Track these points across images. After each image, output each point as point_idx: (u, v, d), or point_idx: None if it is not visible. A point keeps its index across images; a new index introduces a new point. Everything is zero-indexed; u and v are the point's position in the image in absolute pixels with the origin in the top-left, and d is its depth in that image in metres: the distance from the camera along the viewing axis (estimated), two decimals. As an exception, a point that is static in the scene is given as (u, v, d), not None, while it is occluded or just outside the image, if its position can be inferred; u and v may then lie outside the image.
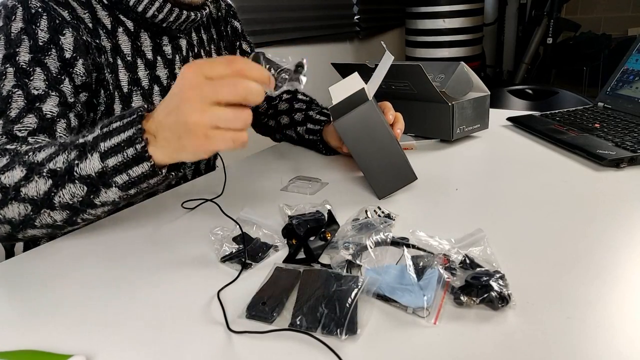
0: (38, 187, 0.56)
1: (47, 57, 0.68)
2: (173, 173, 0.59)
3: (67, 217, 0.59)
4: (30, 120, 0.65)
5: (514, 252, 0.54)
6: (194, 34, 0.90)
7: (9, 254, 0.90)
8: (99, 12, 0.76)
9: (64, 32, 0.70)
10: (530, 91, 1.61)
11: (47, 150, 0.57)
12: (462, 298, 0.45)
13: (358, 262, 0.52)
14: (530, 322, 0.42)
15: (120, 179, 0.55)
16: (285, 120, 1.03)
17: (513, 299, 0.44)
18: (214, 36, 0.97)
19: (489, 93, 0.99)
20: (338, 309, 0.44)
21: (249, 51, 1.05)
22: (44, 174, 0.56)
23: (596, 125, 0.97)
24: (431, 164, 0.86)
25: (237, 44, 1.03)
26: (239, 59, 0.49)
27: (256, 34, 2.22)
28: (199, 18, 0.84)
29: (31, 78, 0.66)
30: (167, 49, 0.84)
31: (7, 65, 0.66)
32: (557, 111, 1.10)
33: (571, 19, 3.71)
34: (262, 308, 0.45)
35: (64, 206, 0.57)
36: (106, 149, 0.53)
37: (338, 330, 0.42)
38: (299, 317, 0.44)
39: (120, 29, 0.77)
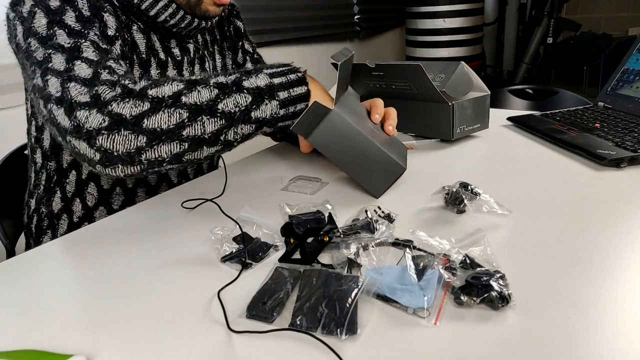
0: (201, 95, 0.59)
1: (93, 28, 0.66)
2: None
3: (218, 128, 0.60)
4: (116, 65, 0.63)
5: (514, 252, 0.54)
6: (199, 36, 0.90)
7: (10, 254, 0.90)
8: (117, 9, 0.76)
9: (106, 10, 0.69)
10: (530, 91, 1.61)
11: (198, 75, 0.62)
12: (462, 298, 0.45)
13: (359, 261, 0.52)
14: (530, 322, 0.42)
15: (283, 94, 0.64)
16: (286, 120, 1.03)
17: (513, 299, 0.44)
18: (217, 37, 0.97)
19: (489, 93, 0.98)
20: (338, 309, 0.44)
21: (251, 51, 1.05)
22: (211, 84, 0.60)
23: (596, 125, 0.97)
24: (431, 164, 0.86)
25: (240, 43, 1.03)
26: None
27: (256, 33, 2.22)
28: (209, 26, 0.84)
29: (88, 37, 0.64)
30: (176, 51, 0.84)
31: (56, 28, 0.63)
32: (557, 111, 1.10)
33: (571, 19, 3.71)
34: (262, 308, 0.45)
35: (224, 114, 0.60)
36: (271, 72, 0.64)
37: (338, 330, 0.42)
38: (299, 317, 0.44)
39: (135, 27, 0.78)
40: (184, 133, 0.59)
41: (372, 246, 0.53)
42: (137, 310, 0.48)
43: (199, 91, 0.60)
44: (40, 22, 0.64)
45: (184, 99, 0.59)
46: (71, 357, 0.40)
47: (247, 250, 0.56)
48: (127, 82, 0.60)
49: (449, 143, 0.97)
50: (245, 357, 0.41)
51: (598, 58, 3.52)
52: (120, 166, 0.59)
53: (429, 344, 0.41)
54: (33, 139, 0.85)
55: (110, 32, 0.69)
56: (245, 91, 0.62)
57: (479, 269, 0.48)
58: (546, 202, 0.67)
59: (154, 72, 0.80)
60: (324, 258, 0.55)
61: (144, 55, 0.79)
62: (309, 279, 0.49)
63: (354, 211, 0.65)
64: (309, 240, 0.56)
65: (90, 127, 0.57)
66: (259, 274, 0.52)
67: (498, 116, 1.13)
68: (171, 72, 0.83)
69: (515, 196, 0.69)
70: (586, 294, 0.46)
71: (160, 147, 0.59)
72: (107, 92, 0.59)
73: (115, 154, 0.58)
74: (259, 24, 2.25)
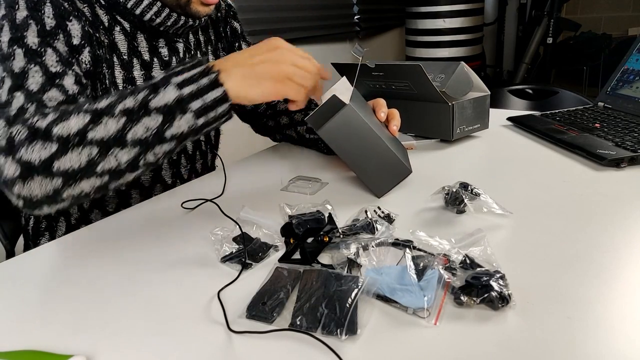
0: (108, 127, 0.56)
1: (56, 41, 0.67)
2: (236, 107, 0.63)
3: (134, 156, 0.58)
4: (55, 94, 0.64)
5: (514, 252, 0.54)
6: (191, 36, 0.90)
7: (9, 254, 0.90)
8: (97, 9, 0.76)
9: (71, 18, 0.69)
10: (530, 91, 1.61)
11: (108, 99, 0.58)
12: (462, 298, 0.45)
13: (359, 262, 0.52)
14: (530, 322, 0.42)
15: (196, 104, 0.58)
16: (285, 120, 1.03)
17: (513, 299, 0.44)
18: (212, 37, 0.97)
19: (489, 93, 0.98)
20: (338, 309, 0.44)
21: None
22: (116, 114, 0.57)
23: (596, 125, 0.97)
24: (431, 164, 0.86)
25: (236, 44, 1.03)
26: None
27: (256, 34, 2.22)
28: (196, 25, 0.84)
29: (43, 58, 0.65)
30: (164, 51, 0.84)
31: (15, 47, 0.64)
32: (557, 111, 1.10)
33: (571, 19, 3.71)
34: (262, 308, 0.45)
35: (135, 142, 0.57)
36: (180, 81, 0.58)
37: (338, 331, 0.42)
38: (299, 317, 0.44)
39: (117, 28, 0.78)
40: (98, 169, 0.57)
41: (372, 246, 0.53)
42: (137, 311, 0.48)
43: (105, 123, 0.56)
44: (3, 38, 0.65)
45: (90, 135, 0.56)
46: (71, 357, 0.40)
47: (247, 251, 0.56)
48: (36, 119, 0.58)
49: (449, 143, 0.97)
50: (245, 357, 0.41)
51: (598, 58, 3.52)
52: (45, 207, 0.59)
53: (429, 344, 0.41)
54: None
55: (76, 41, 0.69)
56: (153, 112, 0.57)
57: (479, 269, 0.48)
58: (546, 202, 0.67)
59: (137, 73, 0.80)
60: (324, 258, 0.55)
61: (125, 57, 0.78)
62: (308, 279, 0.49)
63: (353, 211, 0.65)
64: (309, 240, 0.56)
65: (6, 176, 0.57)
66: (259, 274, 0.52)
67: (498, 116, 1.13)
68: (157, 72, 0.82)
69: (515, 196, 0.69)
70: (586, 294, 0.46)
71: (79, 184, 0.57)
72: (19, 134, 0.58)
73: (34, 199, 0.57)
74: (259, 24, 2.25)
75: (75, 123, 0.56)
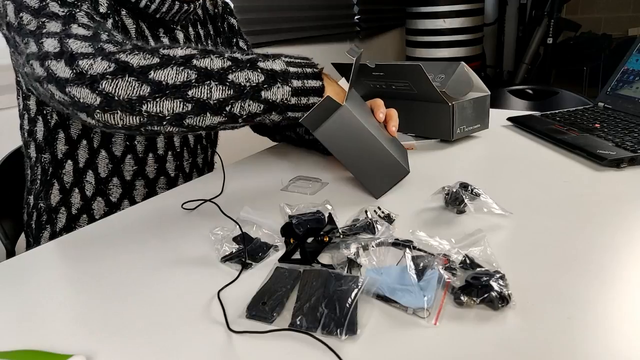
0: (213, 62, 0.60)
1: (85, 2, 0.66)
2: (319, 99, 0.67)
3: (225, 97, 0.60)
4: (115, 33, 0.63)
5: (514, 252, 0.54)
6: (191, 29, 0.90)
7: (9, 253, 0.90)
8: None
9: None
10: (530, 91, 1.61)
11: (215, 60, 0.60)
12: (462, 298, 0.45)
13: (359, 262, 0.52)
14: (530, 322, 0.42)
15: (296, 83, 0.64)
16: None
17: (513, 299, 0.44)
18: (211, 32, 0.97)
19: (489, 93, 0.99)
20: (338, 309, 0.44)
21: (246, 49, 1.05)
22: (225, 56, 0.61)
23: (596, 125, 0.97)
24: (431, 164, 0.86)
25: (234, 40, 1.03)
26: None
27: (256, 33, 2.22)
28: (192, 10, 0.84)
29: (81, 8, 0.64)
30: (165, 40, 0.84)
31: (48, 0, 0.63)
32: (557, 111, 1.10)
33: (571, 19, 3.71)
34: (262, 308, 0.45)
35: (233, 85, 0.60)
36: (288, 60, 0.64)
37: (338, 331, 0.42)
38: (299, 317, 0.44)
39: (124, 12, 0.78)
40: (189, 93, 0.58)
41: (372, 246, 0.53)
42: (137, 311, 0.48)
43: (212, 59, 0.60)
44: (31, 3, 0.63)
45: (195, 61, 0.59)
46: (71, 357, 0.40)
47: (247, 251, 0.56)
48: (132, 42, 0.60)
49: (449, 143, 0.97)
50: (245, 357, 0.41)
51: (598, 58, 3.52)
52: (119, 113, 0.58)
53: (429, 344, 0.41)
54: (26, 133, 0.84)
55: (102, 10, 0.69)
56: (259, 70, 0.62)
57: (478, 269, 0.48)
58: (546, 202, 0.67)
59: None
60: (324, 258, 0.55)
61: (134, 41, 0.79)
62: (308, 279, 0.49)
63: (354, 211, 0.65)
64: (309, 240, 0.56)
65: (94, 72, 0.57)
66: (259, 274, 0.52)
67: (498, 116, 1.13)
68: None
69: (515, 196, 0.69)
70: (586, 294, 0.46)
71: (163, 101, 0.58)
72: (112, 47, 0.59)
73: (116, 98, 0.57)
74: (259, 24, 2.26)
75: (182, 51, 0.59)
